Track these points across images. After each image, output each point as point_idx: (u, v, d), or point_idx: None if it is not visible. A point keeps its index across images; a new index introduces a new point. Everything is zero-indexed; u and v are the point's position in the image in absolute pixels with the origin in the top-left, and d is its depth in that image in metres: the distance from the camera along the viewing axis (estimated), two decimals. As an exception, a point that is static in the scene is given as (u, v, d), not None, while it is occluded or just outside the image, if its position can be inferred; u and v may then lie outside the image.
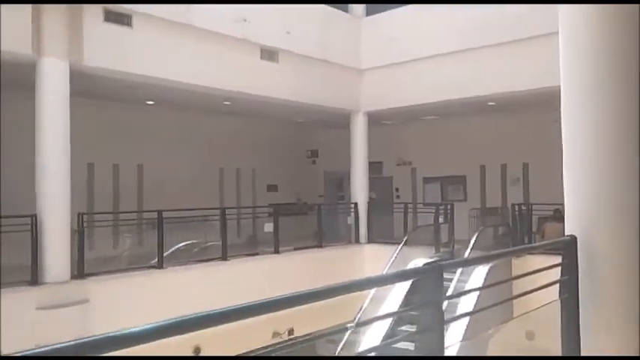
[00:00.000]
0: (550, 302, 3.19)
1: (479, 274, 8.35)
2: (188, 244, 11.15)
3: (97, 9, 8.43)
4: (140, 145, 12.33)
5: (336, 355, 8.58)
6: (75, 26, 8.06)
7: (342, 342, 8.06)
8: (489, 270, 8.60)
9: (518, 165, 13.81)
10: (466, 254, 8.90)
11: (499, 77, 10.84)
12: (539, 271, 3.19)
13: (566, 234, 3.30)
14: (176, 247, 10.75)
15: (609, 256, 3.18)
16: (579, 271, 3.14)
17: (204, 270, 9.72)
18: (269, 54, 10.93)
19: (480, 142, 14.08)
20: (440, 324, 1.97)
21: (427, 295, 1.97)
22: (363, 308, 8.87)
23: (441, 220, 11.70)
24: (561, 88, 3.43)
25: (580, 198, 3.25)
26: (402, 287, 9.14)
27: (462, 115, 13.84)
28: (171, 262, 9.45)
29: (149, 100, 11.43)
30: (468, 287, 7.73)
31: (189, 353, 9.30)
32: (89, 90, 9.85)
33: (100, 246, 10.78)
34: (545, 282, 3.12)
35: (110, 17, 8.55)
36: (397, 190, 16.09)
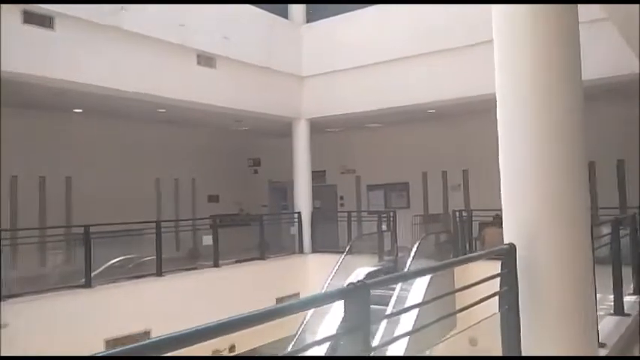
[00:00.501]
0: (492, 315, 3.02)
1: (421, 282, 8.25)
2: (123, 259, 10.56)
3: (15, 9, 7.82)
4: (68, 156, 11.62)
5: None
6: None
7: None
8: (431, 277, 8.52)
9: (458, 171, 13.97)
10: (408, 263, 8.80)
11: (439, 85, 10.90)
12: (482, 282, 3.01)
13: (505, 242, 3.16)
14: (110, 263, 10.17)
15: (548, 264, 3.06)
16: (518, 279, 3.00)
17: (137, 287, 9.18)
18: (206, 60, 10.54)
19: (421, 149, 14.17)
20: (366, 352, 1.73)
21: (352, 319, 1.72)
22: (305, 321, 8.59)
23: (384, 227, 11.60)
24: (497, 94, 3.32)
25: (518, 205, 3.12)
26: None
27: (404, 122, 13.89)
28: (100, 280, 8.85)
29: (77, 109, 10.77)
30: (410, 296, 7.60)
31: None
32: (11, 98, 9.16)
33: (25, 265, 10.01)
34: (487, 288, 2.98)
35: (30, 19, 7.94)
36: (342, 198, 15.96)
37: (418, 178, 14.71)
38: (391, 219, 11.62)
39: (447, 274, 8.32)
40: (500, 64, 3.31)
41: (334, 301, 1.74)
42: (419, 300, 7.65)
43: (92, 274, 9.44)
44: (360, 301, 1.74)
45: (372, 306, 1.70)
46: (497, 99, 3.30)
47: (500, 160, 3.30)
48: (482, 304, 3.04)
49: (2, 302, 7.37)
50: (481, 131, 10.51)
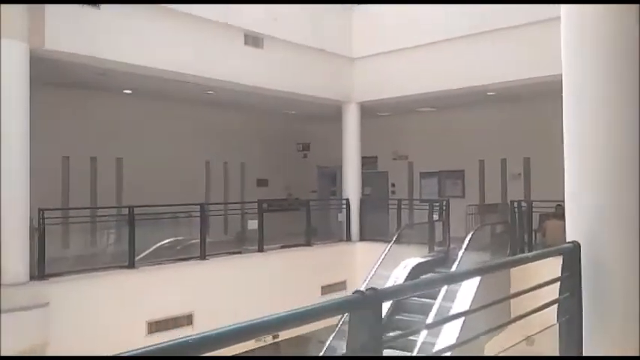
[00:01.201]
0: (549, 327, 2.54)
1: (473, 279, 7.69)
2: (172, 240, 10.58)
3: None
4: (119, 137, 11.69)
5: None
6: (35, 7, 7.39)
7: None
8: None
9: (519, 159, 13.13)
10: (459, 255, 8.25)
11: (498, 65, 10.16)
12: (540, 286, 2.53)
13: (567, 240, 2.65)
14: (159, 244, 10.19)
15: (619, 266, 2.54)
16: (582, 285, 2.50)
17: (180, 270, 9.10)
18: (253, 40, 10.25)
19: (479, 135, 13.39)
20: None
21: (359, 339, 1.32)
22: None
23: (436, 217, 11.02)
24: (563, 82, 2.90)
25: (583, 199, 2.61)
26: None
27: (460, 106, 13.16)
28: (143, 262, 8.82)
29: (126, 89, 10.77)
30: (460, 293, 7.07)
31: None
32: (60, 78, 9.25)
33: (74, 244, 10.18)
34: (548, 288, 2.52)
35: (77, -3, 7.87)
36: (393, 185, 15.42)
37: (475, 165, 13.95)
38: (444, 208, 11.01)
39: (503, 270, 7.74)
40: (568, 47, 2.85)
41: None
42: (469, 298, 7.12)
43: (142, 255, 9.48)
44: (370, 315, 1.34)
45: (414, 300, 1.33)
46: (564, 85, 2.90)
47: (565, 149, 2.86)
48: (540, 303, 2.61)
49: (44, 281, 7.42)
50: (544, 116, 9.77)
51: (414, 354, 5.90)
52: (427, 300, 7.40)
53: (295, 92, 11.20)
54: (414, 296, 6.76)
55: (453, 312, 6.95)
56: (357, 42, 12.16)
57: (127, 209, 8.79)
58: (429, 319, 6.76)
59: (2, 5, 6.97)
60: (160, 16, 8.78)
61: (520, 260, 2.63)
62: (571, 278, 2.44)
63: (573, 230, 2.65)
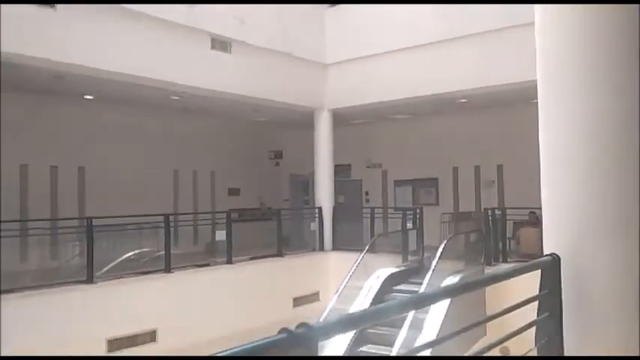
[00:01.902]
0: (528, 352, 2.27)
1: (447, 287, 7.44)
2: (137, 253, 10.11)
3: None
4: (81, 145, 11.20)
5: None
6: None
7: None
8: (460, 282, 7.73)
9: (492, 167, 13.04)
10: (432, 264, 8.00)
11: (470, 72, 10.03)
12: (514, 308, 2.26)
13: (545, 252, 2.39)
14: (123, 257, 9.72)
15: (602, 282, 2.29)
16: (563, 303, 2.23)
17: (142, 284, 8.66)
18: (221, 44, 9.92)
19: (453, 142, 13.28)
20: None
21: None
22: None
23: (410, 225, 10.80)
24: (538, 83, 2.71)
25: (562, 209, 2.36)
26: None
27: (434, 114, 13.03)
28: (104, 277, 8.37)
29: (87, 95, 10.31)
30: (431, 308, 6.81)
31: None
32: (16, 82, 8.77)
33: (32, 258, 9.66)
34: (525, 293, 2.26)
35: (31, -2, 7.45)
36: (367, 193, 15.19)
37: (448, 173, 13.82)
38: (417, 216, 10.79)
39: (478, 278, 7.52)
40: (542, 50, 2.68)
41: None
42: (440, 314, 6.86)
43: (106, 269, 9.03)
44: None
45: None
46: (539, 88, 2.70)
47: (542, 156, 2.63)
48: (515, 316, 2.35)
49: (-5, 298, 6.92)
50: (518, 123, 9.67)
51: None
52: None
53: (265, 98, 10.90)
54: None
55: (423, 330, 6.70)
56: (330, 48, 11.93)
57: (85, 220, 8.29)
58: (396, 346, 6.46)
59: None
60: (119, 17, 8.40)
61: (494, 279, 2.35)
62: (550, 296, 2.18)
63: (552, 242, 2.39)
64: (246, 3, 9.97)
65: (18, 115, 10.04)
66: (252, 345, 1.04)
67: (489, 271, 8.96)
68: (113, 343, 8.02)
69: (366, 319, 1.69)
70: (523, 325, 2.29)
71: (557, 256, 2.23)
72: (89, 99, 10.58)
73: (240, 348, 1.06)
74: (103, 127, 11.53)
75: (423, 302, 2.30)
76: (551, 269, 2.20)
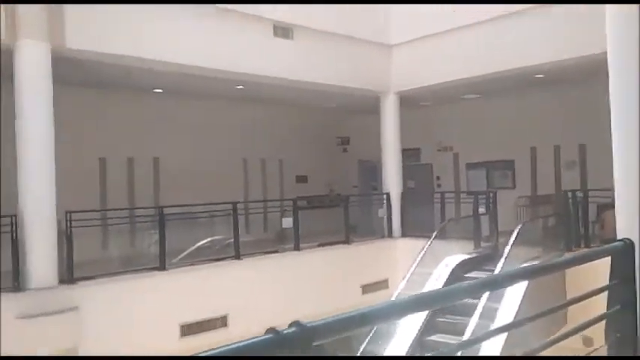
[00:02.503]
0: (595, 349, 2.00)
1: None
2: (211, 240, 10.39)
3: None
4: (155, 136, 11.59)
5: None
6: (54, 6, 7.27)
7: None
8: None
9: (573, 146, 12.17)
10: (505, 251, 7.58)
11: (546, 45, 9.34)
12: (586, 297, 2.00)
13: (618, 237, 2.10)
14: (198, 244, 10.03)
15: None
16: (637, 293, 1.94)
17: (213, 270, 8.85)
18: (282, 30, 9.86)
19: (529, 121, 12.52)
20: None
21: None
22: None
23: (482, 210, 10.31)
24: (609, 62, 2.52)
25: (636, 191, 2.05)
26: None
27: (507, 92, 12.33)
28: (175, 264, 8.62)
29: (156, 88, 10.62)
30: (508, 292, 6.43)
31: None
32: (88, 78, 9.17)
33: (111, 247, 10.14)
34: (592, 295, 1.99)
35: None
36: (438, 178, 14.72)
37: (525, 154, 13.08)
38: (490, 200, 10.28)
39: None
40: (613, 22, 2.47)
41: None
42: (517, 299, 6.47)
43: (181, 256, 9.35)
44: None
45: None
46: (609, 67, 2.50)
47: (613, 135, 2.46)
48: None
49: (74, 285, 7.31)
50: (600, 98, 8.89)
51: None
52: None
53: (328, 84, 10.75)
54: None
55: (496, 320, 6.35)
56: (394, 28, 11.56)
57: (158, 210, 8.56)
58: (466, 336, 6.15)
59: (19, 5, 6.89)
60: (180, 8, 8.52)
61: (566, 264, 2.10)
62: (621, 286, 1.90)
63: (625, 225, 2.09)
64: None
65: (95, 110, 10.52)
66: (235, 346, 0.91)
67: (570, 255, 8.38)
68: (185, 328, 8.26)
69: (371, 319, 1.48)
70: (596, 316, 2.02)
71: (630, 241, 1.94)
72: (159, 92, 10.88)
73: (225, 348, 0.93)
74: (174, 119, 11.85)
75: (449, 298, 1.98)
76: (623, 256, 1.91)
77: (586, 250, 2.63)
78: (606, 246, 2.04)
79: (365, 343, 6.84)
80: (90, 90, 10.15)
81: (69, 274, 7.34)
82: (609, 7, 2.51)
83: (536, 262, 7.83)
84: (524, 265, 7.83)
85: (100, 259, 9.16)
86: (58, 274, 7.21)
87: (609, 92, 2.48)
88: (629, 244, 1.92)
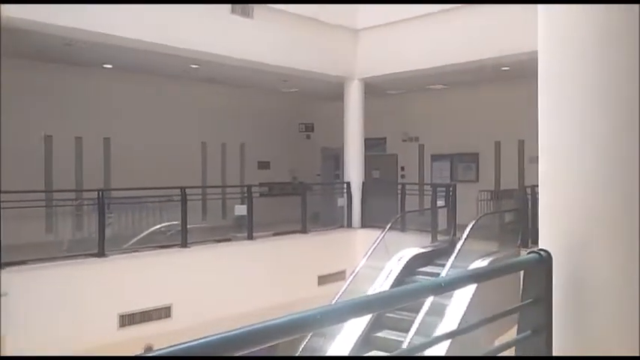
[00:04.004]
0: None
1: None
2: (165, 225, 9.92)
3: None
4: (105, 115, 11.03)
5: None
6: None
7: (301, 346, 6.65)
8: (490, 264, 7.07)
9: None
10: (457, 246, 7.35)
11: (512, 36, 9.08)
12: (493, 319, 1.69)
13: (540, 246, 1.79)
14: (150, 229, 9.56)
15: (603, 283, 1.68)
16: (554, 318, 1.64)
17: (157, 259, 8.44)
18: (241, 8, 9.39)
19: (495, 115, 12.32)
20: None
21: None
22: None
23: (442, 203, 10.09)
24: (538, 63, 2.41)
25: (560, 201, 1.76)
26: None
27: (474, 83, 12.12)
28: (115, 250, 8.17)
29: (106, 64, 10.05)
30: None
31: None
32: (28, 49, 8.59)
33: (58, 229, 9.60)
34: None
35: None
36: (402, 169, 14.48)
37: (490, 148, 12.91)
38: (450, 193, 10.06)
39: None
40: (545, 46, 2.40)
41: None
42: (467, 296, 6.24)
43: (132, 242, 8.89)
44: None
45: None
46: (539, 81, 2.39)
47: (540, 137, 2.34)
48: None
49: (3, 270, 6.81)
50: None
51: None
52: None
53: (290, 67, 10.33)
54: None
55: (444, 317, 6.12)
56: (361, 12, 11.19)
57: (97, 192, 8.09)
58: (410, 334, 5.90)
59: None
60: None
61: (490, 274, 1.80)
62: (534, 308, 1.59)
63: (548, 233, 1.78)
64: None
65: (36, 83, 9.92)
66: None
67: (525, 253, 8.22)
68: (125, 318, 7.86)
69: (303, 325, 1.16)
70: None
71: (547, 253, 1.63)
72: (108, 68, 10.31)
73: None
74: (127, 97, 11.30)
75: (389, 303, 1.65)
76: (537, 271, 1.60)
77: (498, 264, 2.42)
78: (518, 258, 1.74)
79: (306, 340, 6.54)
80: (34, 63, 9.55)
81: (-3, 258, 6.83)
82: (540, 7, 2.41)
83: (490, 258, 7.65)
84: (479, 260, 7.64)
85: (42, 243, 8.64)
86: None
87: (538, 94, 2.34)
88: (545, 257, 1.62)
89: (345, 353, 6.44)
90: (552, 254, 1.63)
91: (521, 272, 5.35)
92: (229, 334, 1.01)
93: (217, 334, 1.00)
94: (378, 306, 1.35)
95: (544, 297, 1.60)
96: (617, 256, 1.65)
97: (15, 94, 9.61)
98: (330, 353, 6.47)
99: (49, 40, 8.13)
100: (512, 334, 2.73)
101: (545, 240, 1.75)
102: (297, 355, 6.49)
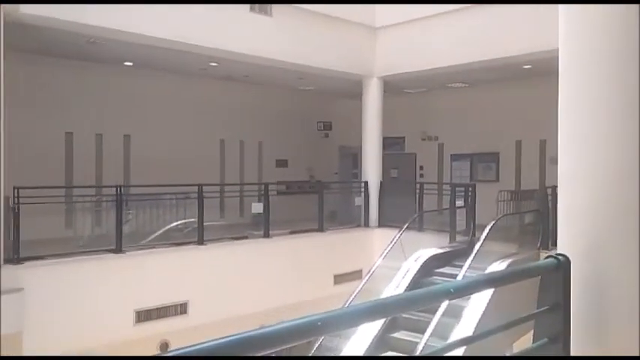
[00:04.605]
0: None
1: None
2: (183, 222, 9.96)
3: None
4: (126, 112, 11.11)
5: None
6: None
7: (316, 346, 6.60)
8: (508, 266, 6.95)
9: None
10: (475, 248, 7.22)
11: (535, 34, 8.91)
12: (513, 324, 1.62)
13: (558, 250, 1.72)
14: (168, 226, 9.61)
15: (623, 289, 1.60)
16: (573, 325, 1.57)
17: (174, 255, 8.47)
18: (260, 7, 9.37)
19: (516, 114, 12.13)
20: None
21: None
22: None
23: (460, 203, 9.95)
24: (559, 63, 2.42)
25: (579, 204, 1.69)
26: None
27: (494, 82, 11.93)
28: (134, 246, 8.22)
29: (127, 61, 10.12)
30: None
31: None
32: (49, 46, 8.69)
33: (77, 225, 9.70)
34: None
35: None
36: (421, 168, 14.35)
37: (511, 147, 12.70)
38: (469, 193, 9.92)
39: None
40: (566, 45, 2.42)
41: None
42: (485, 298, 6.14)
43: (151, 238, 8.94)
44: None
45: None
46: (560, 82, 2.43)
47: (559, 143, 2.24)
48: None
49: (19, 265, 6.90)
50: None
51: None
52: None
53: (308, 65, 10.28)
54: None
55: (462, 319, 6.02)
56: (380, 10, 11.09)
57: (115, 189, 8.15)
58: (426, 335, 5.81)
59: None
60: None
61: (507, 278, 1.73)
62: (551, 315, 1.52)
63: (567, 238, 1.71)
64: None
65: (57, 80, 10.03)
66: None
67: (544, 255, 8.06)
68: (142, 314, 7.90)
69: (322, 328, 1.12)
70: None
71: (566, 257, 1.56)
72: (129, 65, 10.39)
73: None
74: (147, 95, 11.37)
75: (403, 307, 1.60)
76: (555, 277, 1.53)
77: (513, 268, 2.34)
78: (535, 263, 1.66)
79: (322, 339, 6.49)
80: (56, 60, 9.66)
81: (15, 253, 6.92)
82: (561, 6, 2.43)
83: (509, 260, 7.52)
84: (498, 262, 7.51)
85: (61, 238, 8.74)
86: (3, 253, 6.79)
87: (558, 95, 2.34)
88: (562, 262, 1.54)
89: (360, 353, 6.38)
90: (571, 258, 1.56)
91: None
92: (220, 342, 0.97)
93: (206, 342, 0.96)
94: (386, 311, 1.29)
95: (562, 303, 1.53)
96: (638, 261, 1.57)
97: (37, 91, 9.77)
98: (345, 353, 6.42)
99: (72, 38, 8.20)
100: (530, 336, 2.64)
101: (564, 243, 1.68)
102: (311, 354, 6.45)
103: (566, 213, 1.77)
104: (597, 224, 1.65)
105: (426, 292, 1.69)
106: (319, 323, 1.13)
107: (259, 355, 1.08)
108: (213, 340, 0.98)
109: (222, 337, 0.99)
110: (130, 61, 10.11)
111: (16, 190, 7.01)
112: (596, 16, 2.10)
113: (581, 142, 1.92)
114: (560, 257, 1.56)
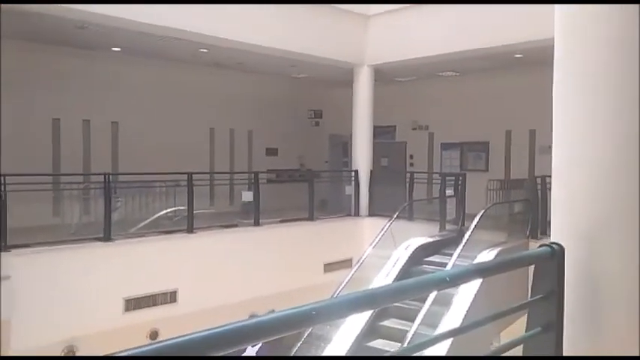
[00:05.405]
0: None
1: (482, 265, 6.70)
2: (173, 210, 9.90)
3: None
4: (114, 99, 10.98)
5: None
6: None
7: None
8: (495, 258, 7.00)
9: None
10: (465, 237, 7.25)
11: (526, 23, 8.90)
12: (502, 315, 1.62)
13: (552, 239, 1.71)
14: (158, 214, 9.54)
15: (618, 278, 1.60)
16: (565, 315, 1.56)
17: (163, 243, 8.44)
18: (250, -8, 9.25)
19: (506, 103, 12.15)
20: None
21: None
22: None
23: (450, 192, 9.98)
24: (554, 53, 2.32)
25: (573, 192, 1.68)
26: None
27: (485, 71, 11.92)
28: (122, 234, 8.16)
29: (114, 47, 9.98)
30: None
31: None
32: (39, 32, 8.54)
33: (65, 213, 9.60)
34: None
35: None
36: (411, 157, 14.35)
37: (501, 137, 12.74)
38: (459, 182, 9.95)
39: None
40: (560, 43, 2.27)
41: None
42: (475, 286, 6.17)
43: (140, 225, 8.89)
44: None
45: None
46: (554, 76, 2.33)
47: (554, 130, 2.30)
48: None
49: (4, 253, 6.82)
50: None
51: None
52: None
53: (299, 52, 10.20)
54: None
55: (451, 307, 6.06)
56: (372, -3, 11.00)
57: (104, 176, 8.06)
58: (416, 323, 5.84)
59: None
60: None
61: (497, 267, 1.73)
62: (544, 304, 1.51)
63: (560, 226, 1.70)
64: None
65: (45, 66, 9.88)
66: None
67: (535, 245, 8.12)
68: (131, 303, 7.87)
69: (315, 317, 1.10)
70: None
71: (560, 246, 1.55)
72: (117, 51, 10.24)
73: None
74: (136, 81, 11.23)
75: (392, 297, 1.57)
76: (549, 265, 1.53)
77: (505, 257, 2.36)
78: (529, 252, 1.66)
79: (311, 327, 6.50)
80: (43, 46, 9.51)
81: (2, 240, 6.84)
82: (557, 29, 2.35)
83: (497, 249, 7.56)
84: (486, 250, 7.56)
85: (49, 226, 8.65)
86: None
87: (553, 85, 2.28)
88: (557, 251, 1.54)
89: (350, 341, 6.41)
90: (565, 247, 1.56)
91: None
92: (213, 331, 0.95)
93: (199, 332, 0.94)
94: (379, 301, 1.28)
95: (555, 292, 1.53)
96: (633, 250, 1.57)
97: (23, 77, 9.61)
98: (335, 341, 6.43)
99: (60, 23, 8.06)
100: (519, 324, 2.65)
101: (558, 232, 1.68)
102: (301, 343, 6.46)
103: (560, 201, 1.77)
104: (591, 213, 1.64)
105: (423, 281, 1.68)
106: (313, 313, 1.11)
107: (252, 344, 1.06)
108: (206, 330, 0.96)
109: (216, 327, 0.97)
110: (118, 47, 9.96)
111: (2, 178, 6.91)
112: (593, 4, 2.08)
113: (576, 130, 1.92)
114: (554, 246, 1.56)
